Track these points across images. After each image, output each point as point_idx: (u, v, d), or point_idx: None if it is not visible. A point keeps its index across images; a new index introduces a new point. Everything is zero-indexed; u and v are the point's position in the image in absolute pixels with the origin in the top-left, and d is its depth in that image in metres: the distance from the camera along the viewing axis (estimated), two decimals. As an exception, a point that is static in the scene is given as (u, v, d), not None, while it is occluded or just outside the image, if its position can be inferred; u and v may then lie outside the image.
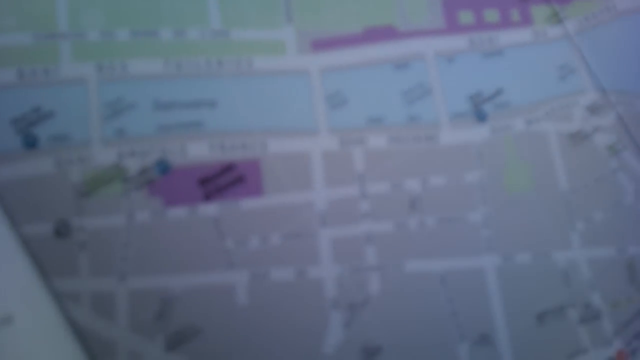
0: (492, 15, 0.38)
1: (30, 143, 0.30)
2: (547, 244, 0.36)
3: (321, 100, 0.34)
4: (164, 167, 0.31)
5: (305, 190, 0.33)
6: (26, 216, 0.29)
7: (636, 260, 0.37)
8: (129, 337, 0.30)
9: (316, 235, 0.33)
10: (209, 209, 0.32)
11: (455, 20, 0.37)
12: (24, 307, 0.28)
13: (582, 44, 0.39)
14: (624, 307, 0.37)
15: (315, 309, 0.32)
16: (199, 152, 0.32)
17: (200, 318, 0.31)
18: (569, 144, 0.38)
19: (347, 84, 0.35)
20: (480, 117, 0.36)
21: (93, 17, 0.32)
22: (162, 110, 0.32)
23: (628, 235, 0.38)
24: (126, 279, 0.30)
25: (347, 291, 0.33)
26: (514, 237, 0.36)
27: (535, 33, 0.39)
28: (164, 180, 0.31)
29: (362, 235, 0.33)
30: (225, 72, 0.33)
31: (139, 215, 0.31)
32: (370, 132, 0.34)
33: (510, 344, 0.34)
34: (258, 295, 0.31)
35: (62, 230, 0.30)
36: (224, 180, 0.32)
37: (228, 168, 0.32)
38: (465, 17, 0.38)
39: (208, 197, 0.32)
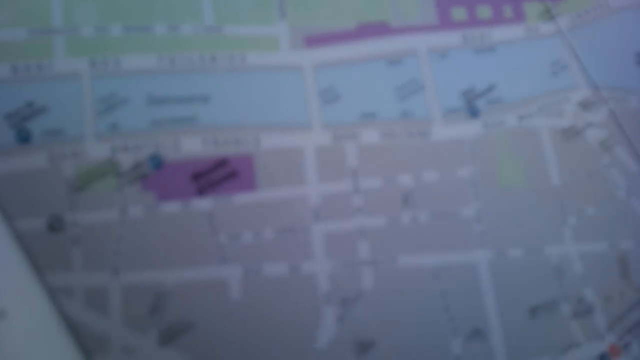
0: (484, 11, 0.38)
1: (24, 138, 0.30)
2: (540, 239, 0.36)
3: (314, 95, 0.34)
4: (157, 162, 0.31)
5: (298, 185, 0.33)
6: (19, 211, 0.29)
7: (628, 254, 0.38)
8: (123, 331, 0.30)
9: (309, 230, 0.33)
10: (202, 204, 0.32)
11: (448, 16, 0.37)
12: (18, 302, 0.28)
13: (575, 41, 0.39)
14: (617, 302, 0.37)
15: (308, 303, 0.32)
16: (192, 147, 0.32)
17: (193, 313, 0.31)
18: (561, 140, 0.38)
19: (340, 80, 0.35)
20: (473, 112, 0.36)
21: (87, 12, 0.32)
22: (155, 105, 0.32)
23: (620, 230, 0.38)
24: (119, 273, 0.30)
25: (340, 286, 0.33)
26: (507, 232, 0.36)
27: (527, 29, 0.39)
28: (157, 175, 0.31)
29: (355, 230, 0.34)
30: (218, 68, 0.33)
31: (132, 210, 0.31)
32: (363, 127, 0.35)
33: (503, 338, 0.34)
34: (251, 290, 0.32)
35: (55, 225, 0.30)
36: (217, 175, 0.32)
37: (221, 163, 0.32)
38: (458, 13, 0.38)
39: (201, 192, 0.32)
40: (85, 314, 0.29)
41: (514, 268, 0.35)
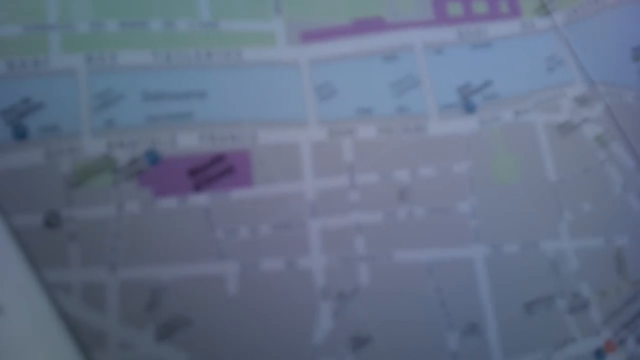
0: (480, 7, 0.38)
1: (20, 134, 0.30)
2: (536, 234, 0.36)
3: (310, 91, 0.34)
4: (153, 158, 0.31)
5: (295, 181, 0.33)
6: (16, 207, 0.29)
7: (624, 250, 0.38)
8: (120, 327, 0.30)
9: (306, 225, 0.33)
10: (199, 200, 0.32)
11: (443, 11, 0.38)
12: (15, 298, 0.28)
13: (571, 36, 0.39)
14: (612, 297, 0.37)
15: (304, 298, 0.32)
16: (189, 142, 0.32)
17: (190, 308, 0.31)
18: (557, 135, 0.38)
19: (336, 75, 0.35)
20: (469, 108, 0.36)
21: (82, 8, 0.32)
22: (151, 101, 0.32)
23: (616, 226, 0.38)
24: (116, 269, 0.30)
25: (337, 281, 0.33)
26: (503, 227, 0.36)
27: (523, 25, 0.39)
28: (154, 171, 0.31)
29: (352, 225, 0.34)
30: (214, 64, 0.33)
31: (129, 205, 0.31)
32: (360, 123, 0.35)
33: (498, 333, 0.35)
34: (248, 286, 0.32)
35: (52, 221, 0.30)
36: (213, 171, 0.32)
37: (218, 159, 0.32)
38: (454, 8, 0.38)
39: (198, 187, 0.32)
40: (82, 309, 0.29)
41: (509, 263, 0.36)
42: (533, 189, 0.37)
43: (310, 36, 0.35)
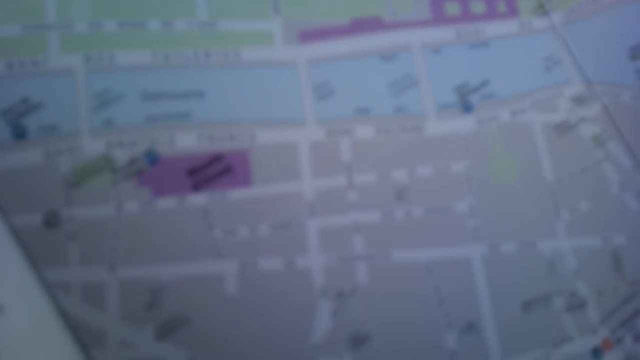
0: (478, 6, 0.38)
1: (20, 134, 0.30)
2: (533, 234, 0.36)
3: (309, 91, 0.34)
4: (152, 158, 0.31)
5: (294, 181, 0.33)
6: (16, 207, 0.29)
7: (621, 249, 0.38)
8: (120, 326, 0.30)
9: (304, 225, 0.33)
10: (198, 200, 0.32)
11: (441, 11, 0.38)
12: (15, 297, 0.28)
13: (568, 36, 0.39)
14: (610, 296, 0.37)
15: (303, 298, 0.32)
16: (188, 142, 0.32)
17: (190, 308, 0.31)
18: (554, 135, 0.38)
19: (335, 75, 0.35)
20: (467, 108, 0.37)
21: (81, 8, 0.32)
22: (150, 101, 0.32)
23: (613, 225, 0.38)
24: (116, 269, 0.30)
25: (335, 280, 0.33)
26: (500, 227, 0.36)
27: (521, 25, 0.39)
28: (153, 171, 0.31)
29: (350, 225, 0.34)
30: (213, 63, 0.33)
31: (128, 205, 0.31)
32: (358, 122, 0.35)
33: (497, 332, 0.35)
34: (247, 285, 0.32)
35: (51, 221, 0.30)
36: (212, 171, 0.32)
37: (217, 159, 0.32)
38: (452, 8, 0.38)
39: (197, 187, 0.32)
40: (82, 309, 0.29)
41: (507, 263, 0.36)
42: (531, 188, 0.37)
43: (309, 36, 0.35)
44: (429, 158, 0.35)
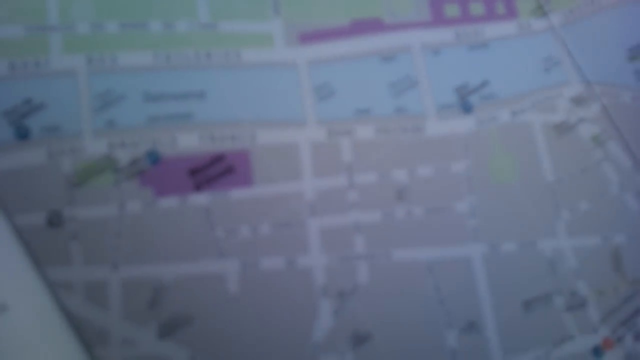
0: (477, 8, 0.38)
1: (22, 134, 0.30)
2: (533, 233, 0.36)
3: (309, 92, 0.34)
4: (154, 158, 0.31)
5: (294, 181, 0.33)
6: (19, 206, 0.30)
7: (621, 249, 0.38)
8: (122, 325, 0.30)
9: (305, 224, 0.33)
10: (200, 199, 0.32)
11: (441, 13, 0.38)
12: (18, 296, 0.28)
13: (567, 37, 0.39)
14: (610, 295, 0.37)
15: (304, 297, 0.33)
16: (189, 143, 0.32)
17: (192, 306, 0.31)
18: (554, 135, 0.38)
19: (335, 76, 0.35)
20: (466, 108, 0.37)
21: (83, 9, 0.32)
22: (151, 102, 0.32)
23: (613, 224, 0.38)
24: (118, 268, 0.30)
25: (336, 279, 0.33)
26: (500, 226, 0.36)
27: (520, 26, 0.39)
28: (155, 171, 0.31)
29: (351, 224, 0.34)
30: (213, 64, 0.33)
31: (130, 205, 0.31)
32: (358, 123, 0.35)
33: (497, 331, 0.35)
34: (248, 284, 0.32)
35: (54, 220, 0.30)
36: (213, 171, 0.32)
37: (218, 159, 0.32)
38: (451, 10, 0.38)
39: (198, 187, 0.32)
40: (85, 307, 0.30)
41: (507, 262, 0.36)
42: (530, 188, 0.37)
43: (309, 37, 0.35)
44: (429, 158, 0.36)
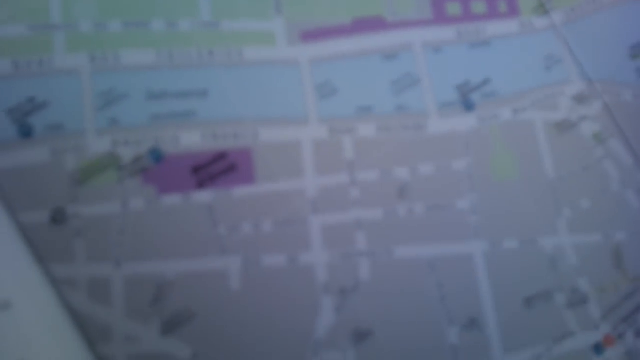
0: (479, 6, 0.39)
1: (26, 132, 0.30)
2: (534, 231, 0.37)
3: (311, 90, 0.34)
4: (157, 156, 0.32)
5: (296, 178, 0.33)
6: (23, 204, 0.30)
7: (622, 246, 0.38)
8: (125, 321, 0.30)
9: (307, 222, 0.33)
10: (202, 197, 0.32)
11: (442, 11, 0.38)
12: (22, 293, 0.28)
13: (569, 35, 0.40)
14: (611, 292, 0.37)
15: (306, 293, 0.33)
16: (192, 141, 0.32)
17: (194, 303, 0.31)
18: (555, 133, 0.38)
19: (337, 74, 0.35)
20: (468, 106, 0.37)
21: (86, 8, 0.32)
22: (154, 100, 0.32)
23: (614, 222, 0.38)
24: (121, 265, 0.30)
25: (338, 276, 0.33)
26: (502, 223, 0.36)
27: (522, 24, 0.39)
28: (158, 169, 0.32)
29: (352, 222, 0.34)
30: (216, 63, 0.33)
31: (133, 202, 0.31)
32: (360, 121, 0.35)
33: (498, 328, 0.35)
34: (251, 281, 0.32)
35: (58, 218, 0.30)
36: (216, 169, 0.32)
37: (220, 156, 0.32)
38: (453, 8, 0.38)
39: (201, 185, 0.32)
40: (88, 304, 0.30)
41: (509, 259, 0.36)
42: (532, 186, 0.37)
43: (311, 35, 0.35)
44: (431, 156, 0.36)
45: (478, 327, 0.34)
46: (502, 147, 0.37)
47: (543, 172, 0.37)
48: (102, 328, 0.30)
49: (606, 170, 0.39)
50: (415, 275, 0.34)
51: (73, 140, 0.31)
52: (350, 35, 0.36)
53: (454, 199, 0.36)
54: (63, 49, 0.31)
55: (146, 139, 0.32)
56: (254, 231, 0.32)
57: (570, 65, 0.39)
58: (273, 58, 0.34)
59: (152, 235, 0.31)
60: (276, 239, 0.32)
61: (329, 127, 0.34)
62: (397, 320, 0.33)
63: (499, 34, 0.38)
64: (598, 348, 0.37)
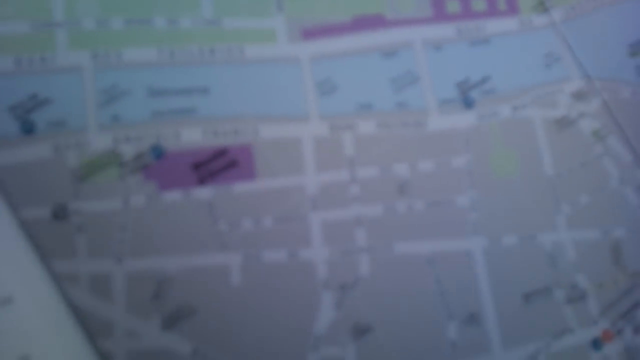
0: (479, 4, 0.39)
1: (28, 129, 0.30)
2: (533, 227, 0.37)
3: (311, 87, 0.35)
4: (158, 152, 0.32)
5: (297, 175, 0.34)
6: (25, 200, 0.30)
7: (621, 242, 0.38)
8: (126, 317, 0.30)
9: (307, 218, 0.33)
10: (203, 193, 0.32)
11: (442, 9, 0.38)
12: (24, 288, 0.29)
13: (568, 33, 0.40)
14: (609, 288, 0.37)
15: (307, 289, 0.33)
16: (192, 137, 0.32)
17: (195, 298, 0.31)
18: (554, 130, 0.38)
19: (337, 71, 0.35)
20: (468, 103, 0.37)
21: (88, 6, 0.32)
22: (156, 97, 0.32)
23: (613, 218, 0.38)
24: (123, 260, 0.30)
25: (338, 272, 0.33)
26: (501, 220, 0.36)
27: (521, 22, 0.39)
28: (159, 165, 0.32)
29: (352, 218, 0.34)
30: (217, 60, 0.33)
31: (134, 199, 0.31)
32: (360, 118, 0.35)
33: (497, 323, 0.35)
34: (251, 276, 0.32)
35: (59, 214, 0.30)
36: (217, 165, 0.32)
37: (221, 153, 0.33)
38: (453, 6, 0.38)
39: (202, 181, 0.32)
40: (89, 300, 0.30)
41: (508, 255, 0.36)
42: (531, 182, 0.37)
43: (311, 33, 0.35)
44: (430, 152, 0.36)
45: (477, 322, 0.35)
46: (502, 144, 0.37)
47: (542, 168, 0.37)
48: (103, 323, 0.30)
49: (605, 167, 0.39)
50: (414, 271, 0.34)
51: (75, 136, 0.31)
52: (351, 32, 0.36)
53: (454, 196, 0.36)
54: (65, 46, 0.32)
55: (147, 136, 0.32)
56: (255, 227, 0.32)
57: (569, 62, 0.39)
58: (274, 55, 0.34)
59: (153, 231, 0.31)
60: (276, 235, 0.33)
61: (329, 123, 0.34)
62: (396, 316, 0.34)
63: (499, 31, 0.38)
64: (596, 343, 0.37)
